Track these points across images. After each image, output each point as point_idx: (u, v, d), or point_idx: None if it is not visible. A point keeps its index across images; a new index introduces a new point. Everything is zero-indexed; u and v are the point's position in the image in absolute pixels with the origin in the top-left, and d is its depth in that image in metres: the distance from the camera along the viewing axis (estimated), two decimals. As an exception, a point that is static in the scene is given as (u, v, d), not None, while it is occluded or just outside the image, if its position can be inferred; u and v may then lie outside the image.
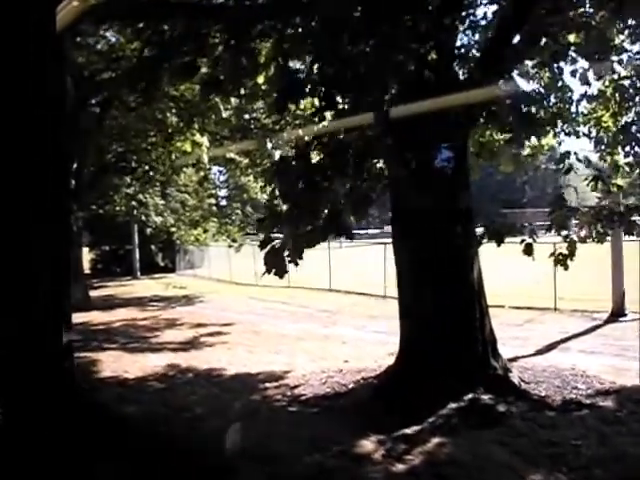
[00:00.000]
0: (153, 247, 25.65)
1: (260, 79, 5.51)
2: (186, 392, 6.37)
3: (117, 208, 17.29)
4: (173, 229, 19.73)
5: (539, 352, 8.53)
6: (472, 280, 6.03)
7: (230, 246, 18.19)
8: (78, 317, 12.95)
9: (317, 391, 6.43)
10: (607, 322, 10.67)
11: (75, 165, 14.64)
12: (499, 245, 5.36)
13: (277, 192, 5.28)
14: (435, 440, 4.77)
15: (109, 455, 4.32)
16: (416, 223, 5.70)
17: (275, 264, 4.95)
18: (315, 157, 5.18)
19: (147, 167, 15.53)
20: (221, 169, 16.74)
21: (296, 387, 6.60)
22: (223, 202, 19.14)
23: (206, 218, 18.62)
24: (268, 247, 5.09)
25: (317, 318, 12.41)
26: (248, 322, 11.95)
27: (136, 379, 6.96)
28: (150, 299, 16.84)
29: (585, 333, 9.97)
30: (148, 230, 21.62)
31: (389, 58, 4.29)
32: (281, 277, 5.08)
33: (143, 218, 19.42)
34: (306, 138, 5.58)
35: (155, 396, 6.20)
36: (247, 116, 11.40)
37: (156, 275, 23.91)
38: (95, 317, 12.85)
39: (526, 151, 6.95)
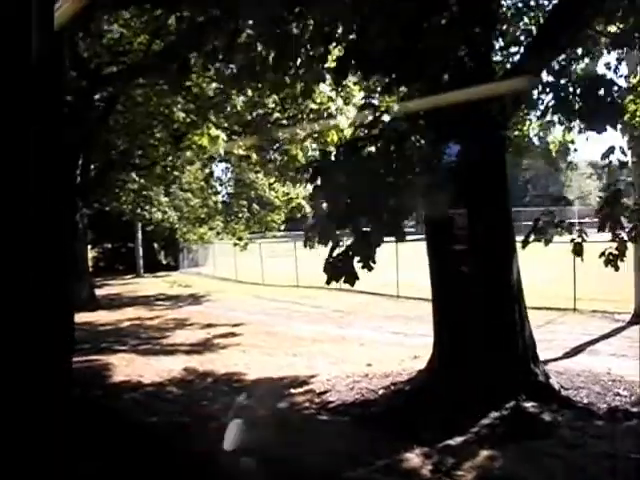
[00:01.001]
0: (156, 245, 25.30)
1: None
2: (208, 399, 6.04)
3: (124, 206, 16.91)
4: (176, 227, 19.42)
5: (567, 355, 8.22)
6: (512, 282, 5.71)
7: (236, 244, 17.84)
8: (84, 317, 12.62)
9: (345, 398, 6.10)
10: (631, 323, 10.36)
11: (81, 161, 14.31)
12: (547, 244, 5.03)
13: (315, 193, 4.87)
14: (484, 453, 4.44)
15: (134, 470, 4.00)
16: (453, 224, 5.36)
17: (344, 270, 4.55)
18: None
19: (153, 163, 15.14)
20: (228, 166, 16.35)
21: (323, 393, 6.26)
22: (227, 199, 18.79)
23: (212, 216, 18.28)
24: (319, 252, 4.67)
25: (331, 318, 12.08)
26: (260, 322, 11.62)
27: (152, 384, 6.62)
28: (156, 298, 16.50)
29: (610, 335, 9.66)
30: (151, 228, 21.29)
31: (454, 37, 3.94)
32: (352, 284, 4.70)
33: (147, 216, 19.09)
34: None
35: (175, 403, 5.86)
36: (261, 110, 11.05)
37: (159, 273, 23.55)
38: (101, 317, 12.50)
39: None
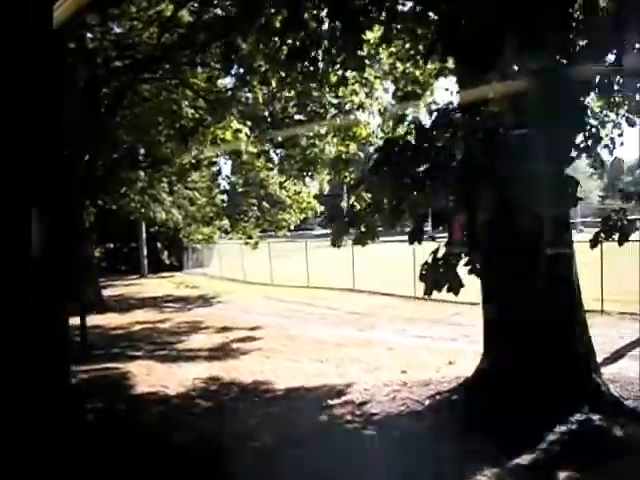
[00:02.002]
0: (159, 245, 24.83)
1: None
2: (241, 412, 5.58)
3: (132, 204, 16.42)
4: (181, 226, 18.95)
5: (608, 361, 7.78)
6: (574, 285, 5.28)
7: (246, 243, 17.37)
8: (93, 320, 12.13)
9: (389, 409, 5.66)
10: (665, 325, 9.95)
11: (87, 158, 13.82)
12: (621, 244, 4.60)
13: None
14: (564, 474, 4.01)
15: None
16: (510, 225, 4.91)
17: (448, 278, 4.09)
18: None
19: (162, 161, 14.67)
20: (237, 163, 15.81)
21: (363, 404, 5.82)
22: (232, 197, 18.31)
23: (220, 215, 17.81)
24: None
25: (349, 321, 11.63)
26: (277, 325, 11.16)
27: (178, 395, 6.15)
28: (164, 299, 16.03)
29: (647, 338, 9.25)
30: (155, 227, 20.82)
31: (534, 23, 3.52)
32: (457, 293, 4.24)
33: (151, 215, 18.61)
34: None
35: (207, 418, 5.40)
36: (278, 105, 10.61)
37: (164, 274, 23.07)
38: (111, 320, 12.02)
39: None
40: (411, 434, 4.91)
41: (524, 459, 4.28)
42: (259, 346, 9.19)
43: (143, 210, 18.25)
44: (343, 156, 8.88)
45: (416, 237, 4.39)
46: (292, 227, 17.07)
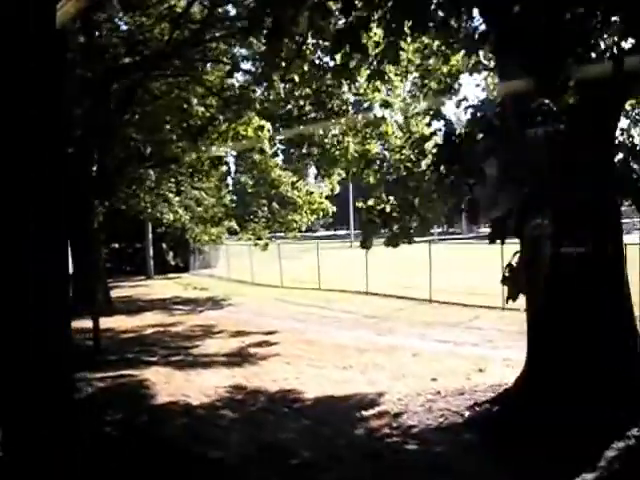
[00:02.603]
0: (164, 246, 24.51)
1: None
2: (271, 424, 5.25)
3: (142, 204, 16.11)
4: (189, 226, 18.64)
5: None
6: (626, 287, 4.97)
7: (256, 244, 17.03)
8: (104, 322, 11.77)
9: (427, 421, 5.34)
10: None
11: (97, 156, 13.53)
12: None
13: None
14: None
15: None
16: (564, 224, 4.60)
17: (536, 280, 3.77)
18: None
19: (173, 160, 14.36)
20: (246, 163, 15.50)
21: (398, 416, 5.49)
22: (242, 198, 17.98)
23: (229, 215, 17.50)
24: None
25: (367, 325, 11.30)
26: (293, 329, 10.84)
27: (202, 406, 5.83)
28: (173, 301, 15.70)
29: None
30: (162, 228, 20.47)
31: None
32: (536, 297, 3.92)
33: (159, 215, 18.30)
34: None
35: (236, 431, 5.07)
36: (291, 104, 10.30)
37: (170, 275, 22.75)
38: (121, 322, 11.69)
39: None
40: (453, 449, 4.59)
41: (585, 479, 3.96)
42: (277, 351, 8.87)
43: (151, 210, 17.99)
44: (369, 155, 8.56)
45: (497, 236, 4.05)
46: (303, 228, 16.74)
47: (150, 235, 21.94)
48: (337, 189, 16.33)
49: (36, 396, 2.35)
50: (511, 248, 5.05)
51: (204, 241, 20.40)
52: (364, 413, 5.60)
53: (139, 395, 6.18)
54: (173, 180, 16.40)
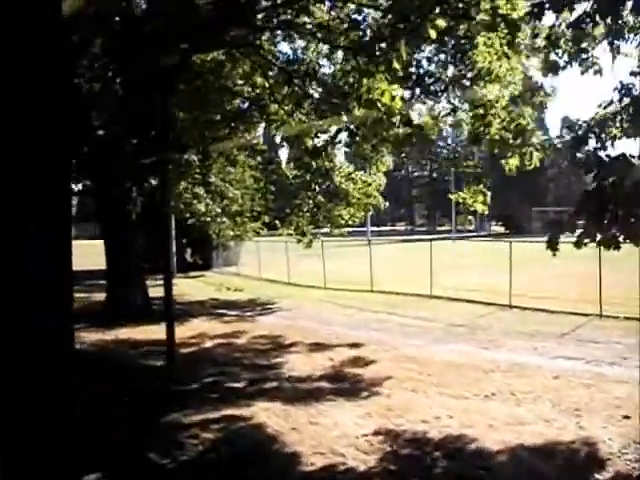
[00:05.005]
0: (184, 241, 22.85)
1: None
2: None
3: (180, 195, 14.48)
4: (219, 220, 17.04)
5: None
6: None
7: (299, 241, 15.42)
8: (151, 332, 10.25)
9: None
10: None
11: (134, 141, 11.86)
12: None
13: None
14: None
15: None
16: None
17: None
18: None
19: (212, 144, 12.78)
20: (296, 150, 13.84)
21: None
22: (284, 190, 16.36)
23: (269, 209, 15.92)
24: None
25: (460, 336, 9.80)
26: (377, 341, 9.31)
27: (374, 471, 4.26)
28: (212, 305, 14.10)
29: None
30: (188, 221, 18.84)
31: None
32: None
33: (182, 207, 16.70)
34: None
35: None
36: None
37: (192, 273, 21.09)
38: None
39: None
40: None
41: None
42: (383, 372, 7.33)
43: (176, 201, 16.43)
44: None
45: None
46: (352, 223, 15.21)
47: (173, 230, 20.25)
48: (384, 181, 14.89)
49: (36, 396, 2.32)
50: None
51: (228, 236, 18.83)
52: (598, 477, 4.09)
53: (274, 455, 4.59)
54: (211, 168, 14.78)
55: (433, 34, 5.97)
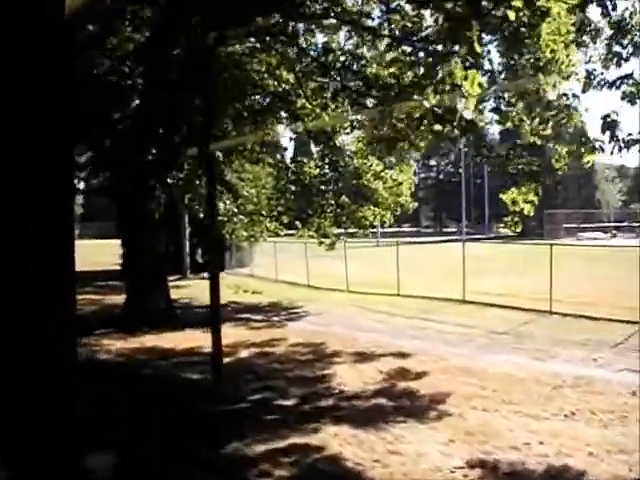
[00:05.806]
0: (194, 241, 22.26)
1: None
2: None
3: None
4: (236, 220, 16.47)
5: None
6: None
7: (321, 243, 14.84)
8: (177, 340, 9.70)
9: None
10: None
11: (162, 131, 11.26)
12: None
13: None
14: None
15: None
16: None
17: None
18: None
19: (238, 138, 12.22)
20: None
21: None
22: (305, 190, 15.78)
23: (290, 209, 15.32)
24: None
25: (507, 345, 9.24)
26: (422, 351, 8.75)
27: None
28: (234, 309, 13.51)
29: None
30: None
31: None
32: None
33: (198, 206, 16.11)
34: None
35: None
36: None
37: (204, 274, 20.46)
38: (197, 340, 9.47)
39: None
40: None
41: None
42: (441, 387, 6.77)
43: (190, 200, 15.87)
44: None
45: None
46: (381, 224, 14.64)
47: (187, 229, 19.70)
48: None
49: (36, 396, 2.29)
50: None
51: (242, 237, 18.26)
52: None
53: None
54: (230, 165, 14.20)
55: (512, 15, 5.43)
